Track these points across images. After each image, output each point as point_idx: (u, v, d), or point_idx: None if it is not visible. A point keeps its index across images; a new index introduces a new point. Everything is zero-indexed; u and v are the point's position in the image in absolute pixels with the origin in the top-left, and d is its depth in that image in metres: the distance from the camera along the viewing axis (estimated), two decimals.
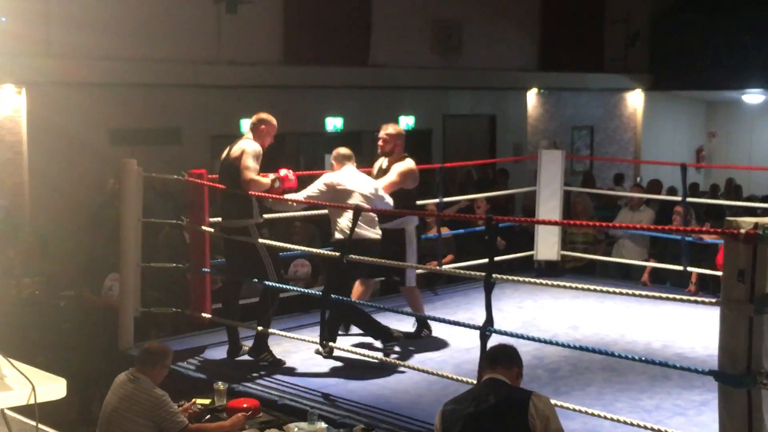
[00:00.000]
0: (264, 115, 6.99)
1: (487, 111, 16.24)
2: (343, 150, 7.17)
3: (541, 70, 17.02)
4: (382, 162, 7.47)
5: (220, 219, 7.07)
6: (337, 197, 6.79)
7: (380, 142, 7.47)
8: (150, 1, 11.51)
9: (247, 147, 6.73)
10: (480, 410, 3.96)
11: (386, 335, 6.81)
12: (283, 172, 6.92)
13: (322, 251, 7.31)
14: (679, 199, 9.51)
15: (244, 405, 5.79)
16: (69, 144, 10.67)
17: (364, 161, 14.11)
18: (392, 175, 7.29)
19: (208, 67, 12.06)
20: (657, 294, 5.59)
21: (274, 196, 6.87)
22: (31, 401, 4.51)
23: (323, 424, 5.43)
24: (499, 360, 4.18)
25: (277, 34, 13.13)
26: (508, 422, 3.92)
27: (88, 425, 6.63)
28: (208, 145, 12.31)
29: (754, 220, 4.36)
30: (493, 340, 5.20)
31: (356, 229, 6.48)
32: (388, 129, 7.52)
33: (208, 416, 5.78)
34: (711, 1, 18.10)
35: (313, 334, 6.63)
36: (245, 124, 12.49)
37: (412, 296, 7.60)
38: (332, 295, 6.46)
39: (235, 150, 6.77)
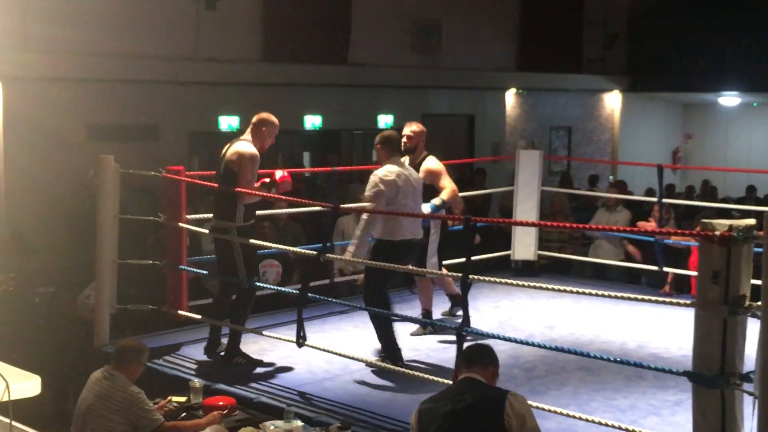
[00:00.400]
0: (266, 116, 6.77)
1: (465, 111, 16.27)
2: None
3: (520, 70, 17.08)
4: (405, 160, 7.32)
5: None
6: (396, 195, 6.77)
7: (404, 140, 7.37)
8: None
9: (244, 152, 6.59)
10: (456, 409, 3.97)
11: (394, 356, 6.58)
12: (279, 174, 6.83)
13: (297, 249, 7.28)
14: (654, 200, 9.58)
15: (220, 403, 5.77)
16: (45, 139, 10.58)
17: (343, 160, 14.24)
18: (448, 182, 7.38)
19: (186, 64, 12.01)
20: (632, 295, 5.63)
21: (271, 196, 6.83)
22: (5, 398, 4.47)
23: (299, 423, 5.43)
24: (476, 359, 4.20)
25: (257, 31, 13.09)
26: (485, 421, 3.94)
27: (62, 423, 6.58)
28: (186, 142, 12.27)
29: (728, 222, 4.40)
30: (471, 340, 5.22)
31: (400, 230, 6.63)
32: (412, 126, 7.51)
33: (184, 414, 5.76)
34: (688, 5, 18.24)
35: (290, 333, 6.62)
36: (223, 121, 12.61)
37: (441, 282, 7.87)
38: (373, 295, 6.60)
39: (231, 152, 6.64)
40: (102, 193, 7.30)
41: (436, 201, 7.15)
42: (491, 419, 3.92)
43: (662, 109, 20.29)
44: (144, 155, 10.23)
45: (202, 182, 7.70)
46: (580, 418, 5.20)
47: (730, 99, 18.86)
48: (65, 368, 7.40)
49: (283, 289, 7.37)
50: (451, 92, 15.82)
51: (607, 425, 5.06)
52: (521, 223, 8.28)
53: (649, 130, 19.80)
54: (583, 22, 18.17)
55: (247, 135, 6.77)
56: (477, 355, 4.23)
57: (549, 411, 5.24)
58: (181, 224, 7.26)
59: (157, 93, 11.81)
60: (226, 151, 6.75)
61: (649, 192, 13.39)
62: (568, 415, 5.24)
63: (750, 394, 4.31)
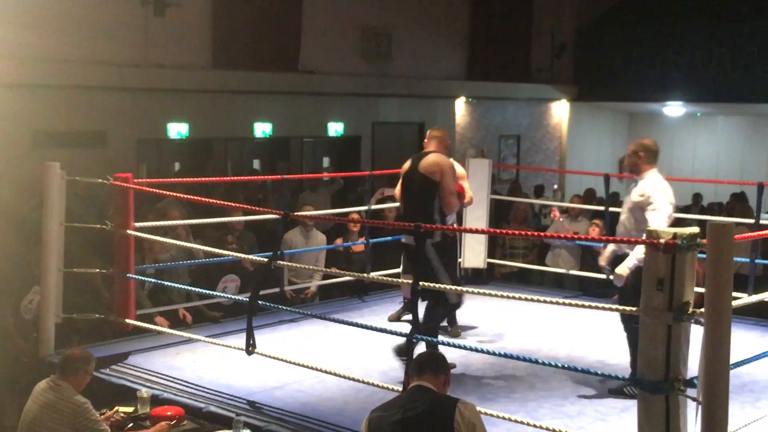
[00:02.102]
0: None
1: (415, 119, 16.35)
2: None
3: (470, 79, 17.22)
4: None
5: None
6: None
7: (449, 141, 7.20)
8: (76, 1, 11.30)
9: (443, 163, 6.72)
10: (407, 417, 3.98)
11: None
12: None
13: (248, 257, 7.26)
14: (602, 208, 9.71)
15: (168, 413, 5.71)
16: None
17: (294, 168, 14.20)
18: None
19: (135, 70, 11.89)
20: (580, 302, 5.70)
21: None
22: None
23: None
24: (427, 367, 4.21)
25: (206, 37, 13.02)
26: (435, 429, 3.96)
27: None
28: (134, 149, 12.14)
29: (673, 230, 4.47)
30: (421, 348, 5.24)
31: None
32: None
33: (131, 425, 5.69)
34: (634, 16, 18.53)
35: (240, 341, 6.57)
36: (172, 128, 12.50)
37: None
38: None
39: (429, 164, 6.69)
40: (47, 201, 7.19)
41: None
42: (441, 427, 3.94)
43: (609, 119, 20.57)
44: (91, 162, 10.10)
45: (151, 189, 7.63)
46: (529, 425, 5.25)
47: (674, 109, 19.18)
48: (7, 379, 7.25)
49: (234, 297, 7.34)
50: (402, 100, 15.88)
51: (555, 431, 5.11)
52: (470, 230, 8.33)
53: (596, 139, 20.06)
54: (531, 33, 18.37)
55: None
56: (428, 363, 4.24)
57: (498, 418, 5.27)
58: (129, 232, 7.19)
59: (104, 99, 11.66)
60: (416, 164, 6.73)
61: (599, 201, 13.56)
62: (517, 422, 5.28)
63: (693, 399, 4.38)
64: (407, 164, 6.87)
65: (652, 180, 6.30)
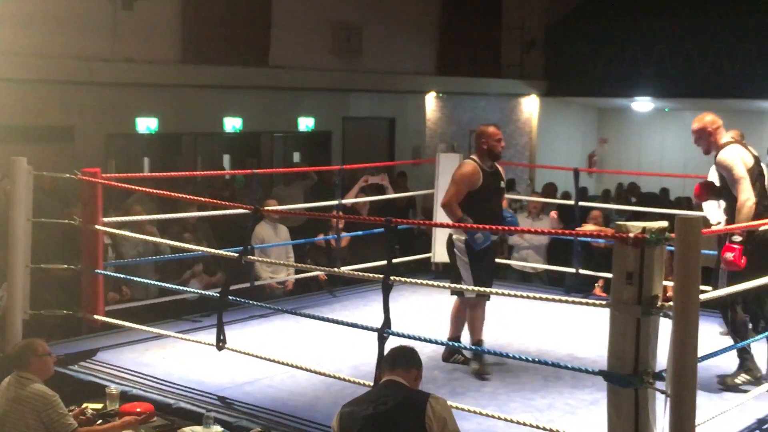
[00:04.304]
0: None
1: (386, 114, 16.35)
2: None
3: (440, 74, 17.24)
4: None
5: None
6: None
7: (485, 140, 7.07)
8: None
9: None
10: (378, 412, 3.98)
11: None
12: None
13: (221, 252, 7.21)
14: (572, 203, 9.76)
15: (138, 409, 5.66)
16: None
17: (264, 162, 14.14)
18: None
19: (103, 65, 11.77)
20: (550, 296, 5.72)
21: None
22: None
23: (219, 428, 5.38)
24: (399, 362, 4.22)
25: (175, 32, 12.93)
26: (406, 424, 3.96)
27: None
28: (102, 144, 12.04)
29: (642, 224, 4.50)
30: (391, 342, 5.24)
31: None
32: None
33: (100, 421, 5.64)
34: (603, 12, 18.64)
35: (210, 337, 6.54)
36: (141, 122, 12.41)
37: None
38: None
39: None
40: (14, 196, 7.11)
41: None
42: (413, 422, 3.95)
43: (578, 114, 20.69)
44: (59, 157, 10.00)
45: (120, 185, 7.57)
46: (500, 418, 5.27)
47: (643, 104, 19.33)
48: None
49: (204, 292, 7.30)
50: (372, 95, 15.87)
51: (525, 425, 5.13)
52: (439, 225, 8.33)
53: (565, 134, 20.16)
54: (501, 28, 18.44)
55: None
56: (400, 358, 4.25)
57: (469, 412, 5.29)
58: (97, 227, 7.12)
59: (73, 94, 11.56)
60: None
61: (565, 195, 13.67)
62: (487, 416, 5.30)
63: (662, 392, 4.42)
64: None
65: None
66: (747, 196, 5.98)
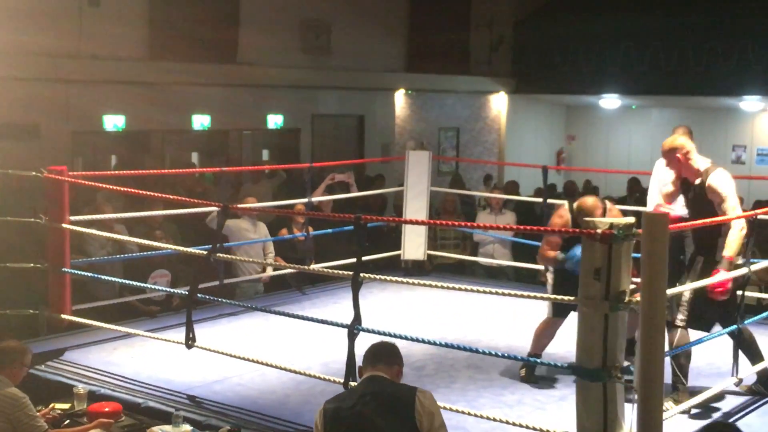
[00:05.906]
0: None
1: (355, 111, 16.33)
2: None
3: (409, 71, 17.25)
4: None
5: None
6: None
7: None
8: None
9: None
10: (366, 408, 3.94)
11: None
12: None
13: (189, 249, 7.18)
14: (540, 200, 9.81)
15: (106, 409, 5.62)
16: None
17: (232, 161, 14.07)
18: None
19: (68, 62, 11.65)
20: (519, 292, 5.75)
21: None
22: None
23: (188, 427, 5.35)
24: (380, 358, 4.20)
25: (142, 28, 12.81)
26: (396, 419, 3.92)
27: None
28: (69, 142, 11.92)
29: (609, 220, 4.54)
30: (361, 339, 5.24)
31: None
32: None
33: (68, 422, 5.60)
34: (570, 9, 18.74)
35: (179, 335, 6.50)
36: (108, 120, 12.30)
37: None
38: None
39: None
40: None
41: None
42: (403, 417, 3.91)
43: (546, 111, 20.79)
44: (25, 155, 9.89)
45: (86, 183, 7.50)
46: (470, 414, 5.29)
47: (610, 101, 19.46)
48: None
49: (173, 290, 7.26)
50: (341, 92, 15.85)
51: (495, 420, 5.16)
52: (410, 222, 8.36)
53: (534, 132, 20.27)
54: (470, 25, 18.49)
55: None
56: (383, 354, 4.23)
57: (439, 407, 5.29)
58: (64, 225, 7.06)
59: (38, 91, 11.42)
60: None
61: (538, 193, 13.73)
62: (457, 411, 5.31)
63: (630, 386, 4.46)
64: None
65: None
66: (742, 227, 5.84)
